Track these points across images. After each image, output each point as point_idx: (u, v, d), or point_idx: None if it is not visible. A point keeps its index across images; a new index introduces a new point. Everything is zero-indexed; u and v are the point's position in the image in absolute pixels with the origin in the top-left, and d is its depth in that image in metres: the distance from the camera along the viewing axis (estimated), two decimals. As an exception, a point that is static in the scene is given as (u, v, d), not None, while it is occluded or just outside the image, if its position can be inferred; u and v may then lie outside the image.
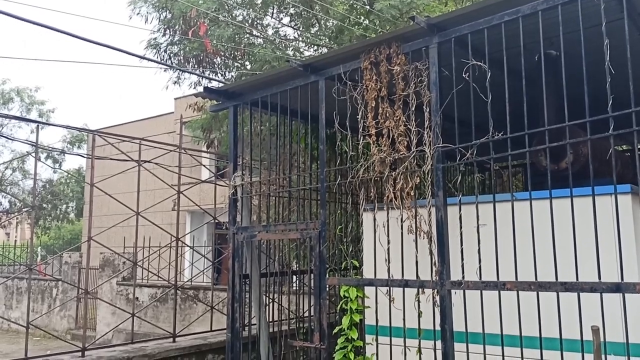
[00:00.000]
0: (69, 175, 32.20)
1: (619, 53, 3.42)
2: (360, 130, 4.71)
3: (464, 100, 4.01)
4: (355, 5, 9.32)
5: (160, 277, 8.82)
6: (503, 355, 3.70)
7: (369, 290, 4.86)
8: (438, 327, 4.06)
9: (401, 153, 4.39)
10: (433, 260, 4.13)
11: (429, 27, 4.20)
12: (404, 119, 4.40)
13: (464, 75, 3.98)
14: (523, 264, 3.66)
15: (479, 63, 3.93)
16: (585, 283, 3.38)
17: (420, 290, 4.25)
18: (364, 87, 4.66)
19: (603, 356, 3.34)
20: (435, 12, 7.91)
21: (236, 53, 10.80)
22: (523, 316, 3.63)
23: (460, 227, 4.05)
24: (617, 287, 3.27)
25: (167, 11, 10.78)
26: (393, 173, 4.46)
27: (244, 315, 5.83)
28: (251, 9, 10.64)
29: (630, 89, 3.31)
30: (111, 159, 6.88)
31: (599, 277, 3.34)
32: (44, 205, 32.06)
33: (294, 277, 7.30)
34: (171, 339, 6.14)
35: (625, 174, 5.50)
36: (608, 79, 3.36)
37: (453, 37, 4.16)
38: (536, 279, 3.58)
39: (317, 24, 10.94)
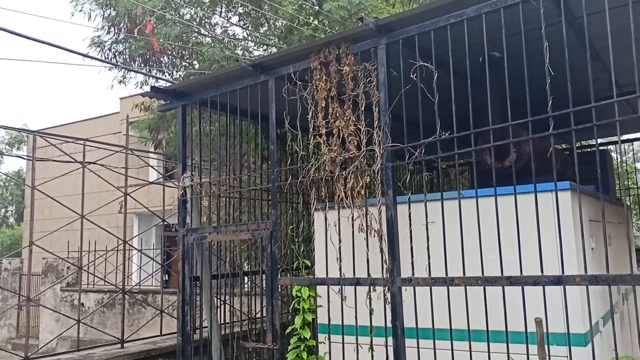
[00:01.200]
0: (8, 177, 30.85)
1: (558, 55, 3.56)
2: (311, 130, 4.73)
3: (412, 100, 4.08)
4: (304, 6, 9.32)
5: (107, 282, 8.57)
6: (452, 350, 3.80)
7: (321, 290, 4.88)
8: (389, 324, 4.12)
9: (351, 152, 4.43)
10: (384, 258, 4.19)
11: (377, 28, 4.25)
12: (354, 119, 4.44)
13: (411, 76, 4.05)
14: (471, 259, 3.76)
15: (426, 64, 4.01)
16: (529, 277, 3.50)
17: (371, 288, 4.30)
18: (314, 87, 4.68)
19: (546, 346, 3.47)
20: (383, 14, 8.00)
21: (184, 52, 10.63)
22: (471, 311, 3.73)
23: (410, 225, 4.12)
24: (559, 280, 3.41)
25: (112, 8, 10.49)
26: (343, 172, 4.49)
27: (194, 318, 5.74)
28: (199, 8, 10.48)
29: (569, 90, 3.45)
30: (54, 160, 6.65)
31: (542, 271, 3.47)
32: (-19, 209, 30.61)
33: (246, 278, 7.24)
34: (119, 345, 5.99)
35: (565, 171, 5.74)
36: (548, 80, 3.49)
37: (401, 38, 4.23)
38: (483, 274, 3.69)
39: (266, 24, 10.89)
